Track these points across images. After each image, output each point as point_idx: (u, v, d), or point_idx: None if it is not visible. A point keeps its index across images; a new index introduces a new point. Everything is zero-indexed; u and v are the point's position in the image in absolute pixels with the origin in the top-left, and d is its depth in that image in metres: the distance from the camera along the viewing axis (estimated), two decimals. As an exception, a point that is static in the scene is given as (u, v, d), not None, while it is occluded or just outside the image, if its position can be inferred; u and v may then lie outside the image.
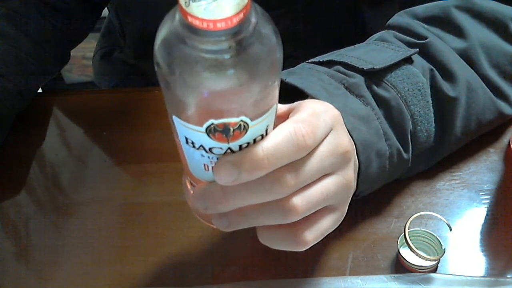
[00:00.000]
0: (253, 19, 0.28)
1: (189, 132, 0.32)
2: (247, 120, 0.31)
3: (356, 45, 0.49)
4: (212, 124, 0.30)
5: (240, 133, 0.31)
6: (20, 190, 0.54)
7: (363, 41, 0.50)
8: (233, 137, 0.31)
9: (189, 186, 0.38)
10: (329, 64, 0.46)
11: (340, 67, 0.46)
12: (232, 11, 0.26)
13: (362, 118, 0.42)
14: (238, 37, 0.27)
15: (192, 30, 0.27)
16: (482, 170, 0.51)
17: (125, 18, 0.78)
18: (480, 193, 0.50)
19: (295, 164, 0.34)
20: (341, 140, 0.37)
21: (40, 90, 0.64)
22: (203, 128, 0.31)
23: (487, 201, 0.49)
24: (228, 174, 0.32)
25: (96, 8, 0.72)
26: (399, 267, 0.45)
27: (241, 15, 0.27)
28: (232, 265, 0.46)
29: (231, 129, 0.31)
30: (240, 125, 0.31)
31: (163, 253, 0.47)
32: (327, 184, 0.36)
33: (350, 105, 0.42)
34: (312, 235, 0.37)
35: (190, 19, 0.26)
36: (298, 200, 0.34)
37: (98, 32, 0.93)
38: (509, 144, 0.53)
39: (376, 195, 0.45)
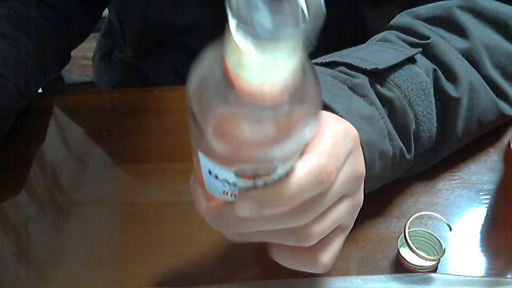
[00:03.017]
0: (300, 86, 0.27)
1: (214, 168, 0.31)
2: (278, 165, 0.30)
3: (358, 46, 0.49)
4: (243, 168, 0.30)
5: (268, 174, 0.31)
6: (20, 190, 0.54)
7: (364, 42, 0.50)
8: (260, 177, 0.31)
9: (199, 192, 0.38)
10: (332, 65, 0.46)
11: (343, 68, 0.45)
12: (284, 92, 0.25)
13: (367, 118, 0.42)
14: (284, 104, 0.26)
15: (236, 94, 0.25)
16: (482, 170, 0.51)
17: (125, 18, 0.78)
18: (480, 193, 0.50)
19: (315, 196, 0.33)
20: (357, 165, 0.37)
21: (40, 90, 0.64)
22: (232, 170, 0.30)
23: (487, 201, 0.49)
24: (249, 210, 0.32)
25: (97, 8, 0.72)
26: (399, 267, 0.45)
27: (291, 91, 0.26)
28: (232, 265, 0.46)
29: (261, 172, 0.30)
30: (270, 169, 0.30)
31: (163, 253, 0.47)
32: (341, 209, 0.36)
33: (354, 105, 0.42)
34: (329, 257, 0.38)
35: (238, 89, 0.25)
36: (315, 228, 0.35)
37: (98, 32, 0.93)
38: (509, 144, 0.53)
39: (376, 195, 0.45)
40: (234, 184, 0.32)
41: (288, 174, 0.32)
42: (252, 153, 0.28)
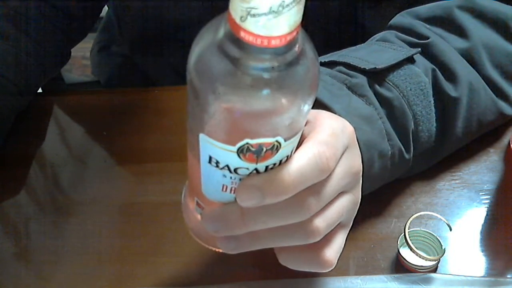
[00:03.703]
0: (300, 39, 0.27)
1: (216, 151, 0.30)
2: (281, 140, 0.30)
3: (357, 46, 0.49)
4: (247, 143, 0.29)
5: (271, 153, 0.30)
6: (20, 190, 0.54)
7: (363, 42, 0.50)
8: (263, 158, 0.30)
9: (191, 206, 0.37)
10: (331, 64, 0.46)
11: (342, 68, 0.45)
12: (287, 29, 0.25)
13: (366, 118, 0.42)
14: (287, 55, 0.27)
15: (241, 45, 0.26)
16: (482, 170, 0.51)
17: (125, 17, 0.78)
18: (480, 193, 0.50)
19: (316, 186, 0.33)
20: (354, 161, 0.37)
21: (40, 90, 0.64)
22: (235, 148, 0.30)
23: (487, 201, 0.49)
24: (252, 197, 0.32)
25: (96, 6, 0.72)
26: (399, 267, 0.45)
27: (294, 33, 0.26)
28: (232, 265, 0.46)
29: (264, 149, 0.30)
30: (273, 145, 0.30)
31: (163, 253, 0.47)
32: (342, 203, 0.36)
33: (353, 105, 0.42)
34: (334, 254, 0.37)
35: (243, 34, 0.25)
36: (320, 222, 0.34)
37: (96, 32, 0.93)
38: (509, 144, 0.53)
39: (376, 195, 0.45)
40: (235, 171, 0.31)
41: (288, 159, 0.32)
42: (257, 118, 0.28)
